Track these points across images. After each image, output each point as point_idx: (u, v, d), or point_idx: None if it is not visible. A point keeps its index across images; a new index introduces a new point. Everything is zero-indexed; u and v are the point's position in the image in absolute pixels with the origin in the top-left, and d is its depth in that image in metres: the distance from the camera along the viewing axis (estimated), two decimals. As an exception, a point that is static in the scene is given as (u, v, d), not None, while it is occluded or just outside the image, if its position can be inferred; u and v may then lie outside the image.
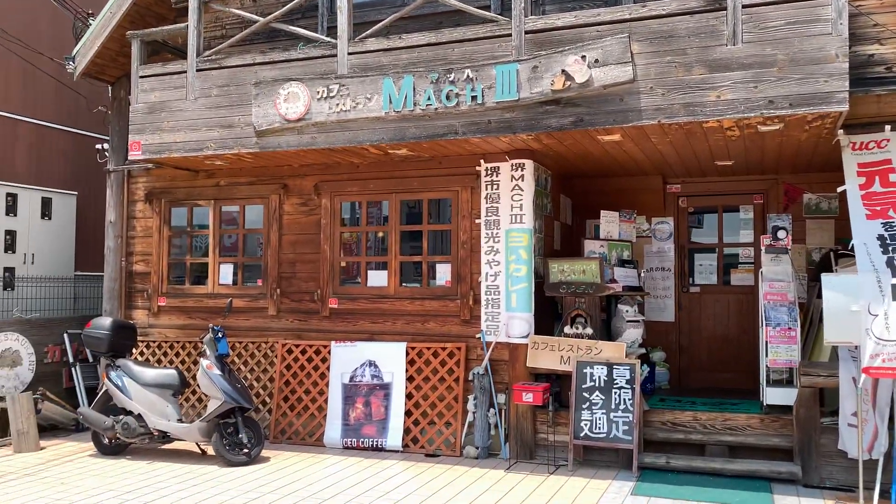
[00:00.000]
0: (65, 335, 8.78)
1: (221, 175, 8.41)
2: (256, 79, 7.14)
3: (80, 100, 10.40)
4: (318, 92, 6.83)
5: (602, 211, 8.12)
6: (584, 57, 6.02)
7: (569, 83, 6.05)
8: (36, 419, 7.61)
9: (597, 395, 6.68)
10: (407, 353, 7.45)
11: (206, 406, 7.21)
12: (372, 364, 7.56)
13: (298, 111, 6.90)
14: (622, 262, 7.97)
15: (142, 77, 7.66)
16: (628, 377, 6.67)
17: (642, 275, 8.32)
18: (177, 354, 8.46)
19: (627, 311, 7.35)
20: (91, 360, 8.35)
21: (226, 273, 8.41)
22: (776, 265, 6.93)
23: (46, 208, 9.50)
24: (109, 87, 8.93)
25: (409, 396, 7.41)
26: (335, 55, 6.89)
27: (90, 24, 8.47)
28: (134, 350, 8.39)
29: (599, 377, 6.73)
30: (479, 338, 7.27)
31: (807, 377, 6.18)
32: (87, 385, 8.67)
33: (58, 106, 10.59)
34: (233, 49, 7.58)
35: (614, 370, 6.72)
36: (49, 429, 8.26)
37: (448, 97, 6.39)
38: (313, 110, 6.85)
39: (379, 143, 6.73)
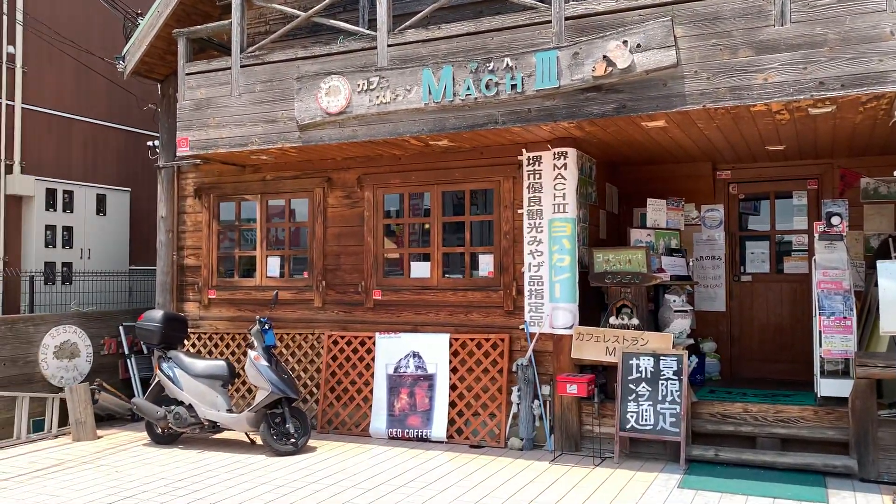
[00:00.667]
0: (120, 328, 9.05)
1: (267, 169, 8.53)
2: (298, 73, 7.20)
3: (131, 98, 10.69)
4: (359, 85, 6.86)
5: (648, 199, 7.96)
6: (625, 42, 5.89)
7: (610, 69, 5.94)
8: (93, 409, 7.86)
9: (643, 387, 6.57)
10: (450, 345, 7.45)
11: (255, 396, 7.34)
12: (416, 355, 7.58)
13: (339, 104, 6.94)
14: (670, 251, 7.81)
15: (188, 74, 7.80)
16: (675, 368, 6.54)
17: (691, 264, 8.14)
18: (227, 346, 8.63)
19: (675, 301, 7.20)
20: (145, 351, 8.58)
21: (273, 266, 8.53)
22: (830, 252, 6.69)
23: (101, 205, 9.81)
24: (159, 85, 9.13)
25: (453, 388, 7.42)
26: (375, 47, 6.90)
27: (139, 24, 8.66)
28: (185, 342, 8.61)
29: (646, 368, 6.62)
30: (523, 329, 7.22)
31: (863, 368, 5.95)
32: (141, 376, 8.94)
33: (110, 105, 10.90)
34: (275, 45, 7.67)
35: (661, 361, 6.60)
36: (106, 418, 8.54)
37: (487, 86, 6.34)
38: (354, 103, 6.88)
39: (419, 135, 6.72)
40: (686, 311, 7.24)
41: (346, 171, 8.13)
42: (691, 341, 7.31)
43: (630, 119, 6.20)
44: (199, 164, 8.75)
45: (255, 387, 7.22)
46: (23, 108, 9.65)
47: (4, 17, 9.31)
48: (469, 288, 7.50)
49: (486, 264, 7.51)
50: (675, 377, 6.52)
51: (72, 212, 9.45)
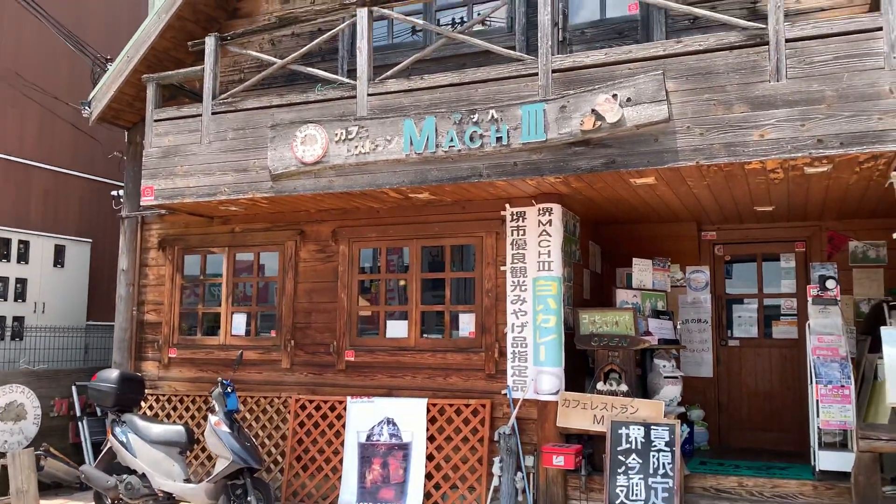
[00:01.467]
0: (73, 387, 8.46)
1: (236, 221, 8.13)
2: (273, 121, 6.89)
3: (96, 146, 10.27)
4: (337, 134, 6.55)
5: (634, 258, 7.69)
6: (615, 95, 5.68)
7: (599, 123, 5.70)
8: (38, 477, 7.19)
9: (633, 459, 6.15)
10: (428, 411, 6.99)
11: (214, 465, 6.77)
12: (390, 422, 7.10)
13: (316, 154, 6.61)
14: (657, 313, 7.50)
15: (156, 121, 7.46)
16: (667, 439, 6.15)
17: (679, 327, 7.83)
18: (187, 409, 8.06)
19: (665, 367, 6.86)
20: (99, 413, 7.99)
21: (239, 323, 8.05)
22: (825, 317, 6.42)
23: (59, 256, 9.28)
24: (126, 133, 8.76)
25: (429, 458, 6.92)
26: (354, 96, 6.63)
27: (108, 70, 8.33)
28: (143, 404, 8.04)
29: (636, 439, 6.21)
30: (506, 394, 6.80)
31: (866, 441, 5.60)
32: (94, 440, 8.31)
33: (75, 153, 10.47)
34: (249, 93, 7.38)
35: (652, 431, 6.21)
36: (53, 487, 7.87)
37: (472, 138, 6.07)
38: (331, 153, 6.56)
39: (399, 187, 6.40)
40: (676, 378, 6.89)
41: (320, 224, 7.76)
42: (682, 409, 6.94)
43: (618, 175, 5.95)
44: (165, 214, 8.33)
45: (216, 455, 6.66)
46: (-23, 151, 9.20)
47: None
48: (449, 349, 7.09)
49: (467, 324, 7.12)
50: (668, 448, 6.13)
51: (27, 263, 8.91)
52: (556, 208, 6.76)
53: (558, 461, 6.18)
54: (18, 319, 8.82)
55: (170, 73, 7.61)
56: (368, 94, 6.57)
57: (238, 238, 8.10)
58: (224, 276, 8.13)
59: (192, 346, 8.17)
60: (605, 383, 6.59)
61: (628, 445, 6.21)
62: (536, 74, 6.03)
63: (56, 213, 10.04)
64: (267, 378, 7.77)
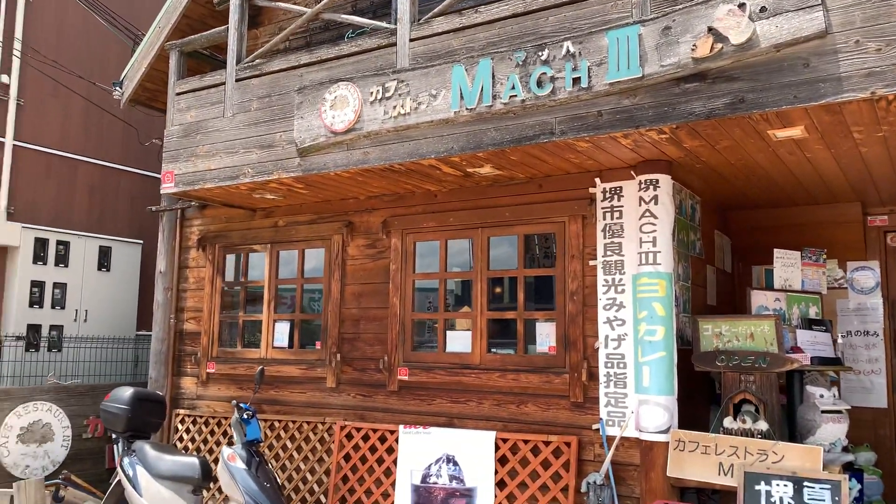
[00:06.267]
0: (109, 405, 7.45)
1: (280, 213, 6.89)
2: (301, 84, 5.58)
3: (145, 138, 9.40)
4: (371, 93, 5.14)
5: (776, 250, 5.77)
6: (742, 5, 3.92)
7: (720, 46, 3.96)
8: (49, 511, 6.21)
9: (778, 528, 4.30)
10: (497, 447, 5.41)
11: (229, 509, 5.48)
12: (450, 460, 5.56)
13: (347, 119, 5.22)
14: (808, 323, 5.56)
15: (178, 94, 6.34)
16: (829, 501, 4.26)
17: (839, 341, 5.82)
18: (224, 434, 6.87)
19: (822, 397, 4.92)
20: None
21: (281, 333, 6.78)
22: None
23: (105, 259, 8.40)
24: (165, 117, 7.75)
25: (498, 509, 5.33)
26: (394, 44, 5.21)
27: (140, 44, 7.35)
28: (179, 427, 6.96)
29: (781, 498, 4.36)
30: (597, 430, 5.11)
31: None
32: (132, 466, 7.26)
33: (125, 146, 9.64)
34: (278, 53, 6.11)
35: (806, 489, 4.32)
36: (77, 520, 6.86)
37: (540, 83, 4.47)
38: (365, 117, 5.15)
39: (448, 155, 4.88)
40: (840, 413, 4.93)
41: (369, 214, 6.37)
42: (850, 457, 4.97)
43: (750, 123, 4.17)
44: (205, 207, 7.25)
45: (228, 497, 5.38)
46: (14, 145, 8.49)
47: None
48: (522, 368, 5.47)
49: (546, 336, 5.48)
50: (830, 516, 4.23)
51: (66, 266, 8.08)
52: (664, 180, 5.03)
53: (668, 528, 4.43)
54: (57, 328, 7.98)
55: (193, 37, 6.48)
56: (410, 40, 5.12)
57: (282, 233, 6.86)
58: (266, 278, 6.90)
59: (231, 359, 6.99)
60: (735, 419, 4.76)
61: (771, 509, 4.37)
62: (629, -8, 4.36)
63: (102, 211, 9.22)
64: (310, 399, 6.44)
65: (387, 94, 5.07)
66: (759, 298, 5.54)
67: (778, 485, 4.37)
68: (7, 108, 8.58)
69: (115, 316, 8.49)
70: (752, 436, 4.67)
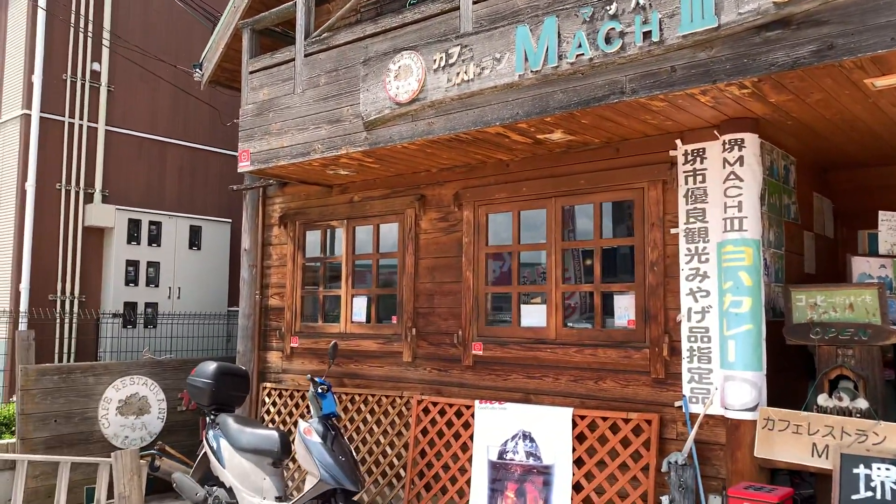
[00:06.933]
0: (202, 379, 7.72)
1: (354, 189, 6.87)
2: (366, 55, 5.48)
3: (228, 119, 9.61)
4: (435, 60, 4.98)
5: (881, 212, 5.27)
6: (832, -61, 3.52)
7: (806, -13, 3.57)
8: (140, 481, 6.46)
9: (880, 515, 3.94)
10: (574, 424, 5.22)
11: (303, 482, 5.55)
12: (527, 437, 5.42)
13: (411, 89, 5.10)
14: (919, 292, 5.06)
15: (251, 73, 6.39)
16: (940, 488, 3.86)
17: (956, 311, 5.27)
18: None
19: (933, 373, 4.47)
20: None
21: (359, 308, 6.80)
22: None
23: (196, 237, 8.65)
24: (245, 97, 7.84)
25: (576, 488, 5.16)
26: (457, 7, 5.02)
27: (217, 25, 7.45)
28: (266, 400, 7.13)
29: (883, 483, 3.99)
30: (680, 407, 4.84)
31: None
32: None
33: (212, 128, 9.86)
34: (348, 26, 6.04)
35: (912, 474, 3.94)
36: (174, 489, 7.17)
37: (608, 39, 4.19)
38: (428, 86, 5.00)
39: (514, 121, 4.68)
40: (955, 390, 4.47)
41: (441, 186, 6.25)
42: (966, 440, 4.49)
43: (843, 72, 3.77)
44: (286, 185, 7.33)
45: (304, 471, 5.44)
46: (107, 130, 8.84)
47: (90, 31, 8.57)
48: (600, 343, 5.24)
49: (625, 309, 5.22)
50: (941, 504, 3.83)
51: (159, 245, 8.37)
52: (751, 139, 4.65)
53: (755, 512, 4.14)
54: (151, 306, 8.30)
55: (264, 14, 6.49)
56: (474, 2, 4.92)
57: (357, 208, 6.84)
58: (343, 253, 6.92)
59: (313, 334, 7.07)
60: (831, 396, 4.39)
61: (870, 493, 4.00)
62: (705, -65, 3.99)
63: (192, 191, 9.51)
64: (388, 373, 6.44)
65: (450, 61, 4.90)
66: (860, 265, 5.09)
67: (879, 468, 4.01)
68: (99, 95, 8.97)
69: (206, 293, 8.78)
70: (850, 415, 4.29)
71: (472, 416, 5.72)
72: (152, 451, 6.87)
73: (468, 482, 5.65)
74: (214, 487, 5.83)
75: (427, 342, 6.19)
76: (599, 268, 5.34)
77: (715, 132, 4.76)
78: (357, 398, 6.53)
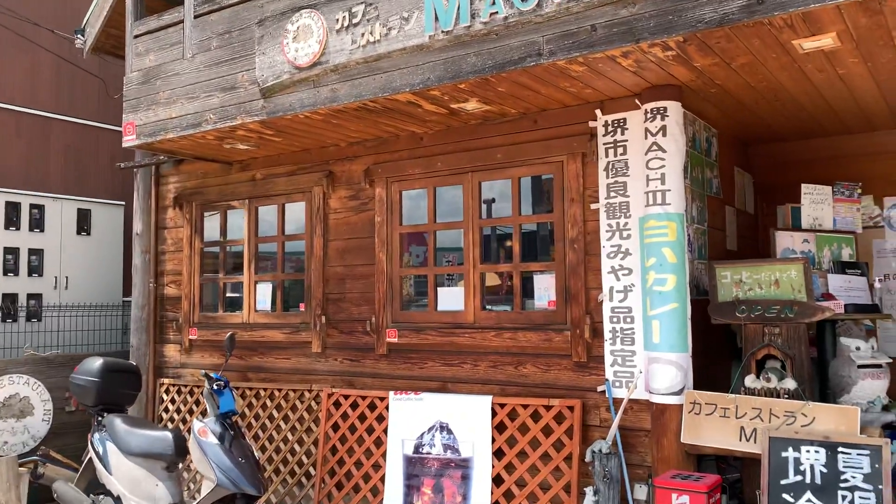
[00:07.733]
0: (93, 376, 7.05)
1: (257, 166, 6.35)
2: (262, 15, 4.97)
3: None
4: (337, 20, 4.53)
5: (804, 185, 5.13)
6: None
7: (734, -63, 3.29)
8: (20, 491, 5.84)
9: (808, 499, 3.77)
10: (494, 413, 4.90)
11: (199, 488, 5.06)
12: (444, 428, 5.07)
13: (311, 52, 4.63)
14: (841, 267, 4.94)
15: (136, 37, 5.77)
16: (868, 470, 3.71)
17: (877, 286, 5.19)
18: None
19: (859, 349, 4.32)
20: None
21: (264, 295, 6.30)
22: None
23: (84, 222, 7.91)
24: (135, 67, 7.16)
25: (497, 481, 4.85)
26: (361, -38, 4.57)
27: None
28: (164, 396, 6.56)
29: (812, 466, 3.81)
30: (603, 392, 4.58)
31: None
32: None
33: (105, 102, 9.04)
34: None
35: (840, 455, 3.78)
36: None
37: (523, -4, 3.83)
38: (331, 48, 4.55)
39: (424, 88, 4.28)
40: (879, 367, 4.34)
41: (351, 162, 5.80)
42: (892, 417, 4.39)
43: (772, 32, 3.52)
44: (181, 162, 6.72)
45: (200, 475, 4.95)
46: (-24, 103, 7.99)
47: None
48: (520, 326, 4.93)
49: (545, 290, 4.92)
50: (869, 486, 3.68)
51: (42, 230, 7.61)
52: (674, 108, 4.39)
53: (682, 502, 3.90)
54: (35, 297, 7.54)
55: (149, -28, 5.87)
56: (379, -44, 4.48)
57: (259, 187, 6.32)
58: (245, 236, 6.39)
59: (213, 325, 6.53)
60: (758, 377, 4.19)
61: (799, 477, 3.83)
62: None
63: (80, 172, 8.68)
64: (295, 365, 5.97)
65: (354, 21, 4.45)
66: (784, 240, 4.93)
67: (808, 451, 3.83)
68: (-33, 65, 8.07)
69: (98, 282, 8.05)
70: (778, 396, 4.11)
71: (387, 408, 5.33)
72: (35, 458, 6.19)
73: (382, 479, 5.27)
74: (101, 496, 5.25)
75: (338, 330, 5.76)
76: (518, 246, 5.02)
77: (636, 101, 4.49)
78: (262, 393, 6.05)
